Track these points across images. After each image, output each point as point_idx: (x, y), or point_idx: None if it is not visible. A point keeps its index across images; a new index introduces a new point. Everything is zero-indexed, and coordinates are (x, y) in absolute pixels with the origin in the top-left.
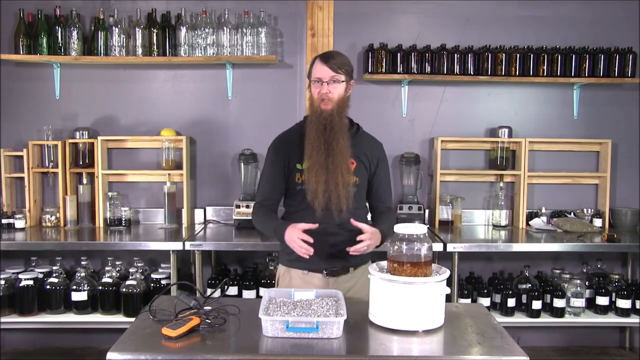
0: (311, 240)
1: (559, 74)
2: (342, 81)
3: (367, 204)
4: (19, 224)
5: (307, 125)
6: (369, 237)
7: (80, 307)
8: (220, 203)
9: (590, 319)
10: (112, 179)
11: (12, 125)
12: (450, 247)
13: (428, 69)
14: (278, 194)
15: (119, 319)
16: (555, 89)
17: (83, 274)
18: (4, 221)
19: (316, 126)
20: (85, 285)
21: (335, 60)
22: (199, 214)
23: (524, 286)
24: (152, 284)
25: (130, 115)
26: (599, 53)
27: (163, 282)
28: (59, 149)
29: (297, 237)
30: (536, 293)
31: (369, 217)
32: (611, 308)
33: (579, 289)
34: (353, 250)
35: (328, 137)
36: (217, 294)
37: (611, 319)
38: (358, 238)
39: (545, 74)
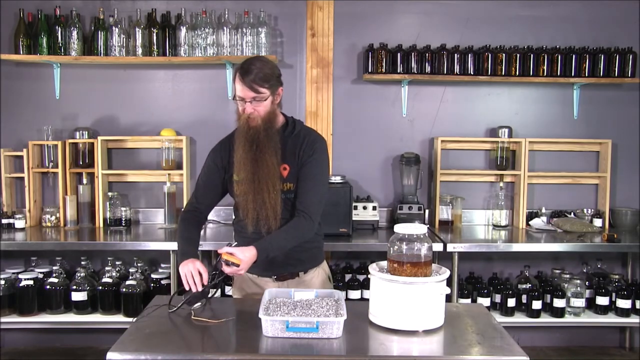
0: (204, 278)
1: (559, 74)
2: (267, 97)
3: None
4: (19, 224)
5: (235, 140)
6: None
7: (80, 307)
8: (220, 203)
9: (590, 319)
10: (112, 179)
11: (12, 125)
12: (450, 247)
13: (428, 69)
14: (210, 199)
15: (119, 319)
16: (555, 89)
17: (83, 274)
18: (4, 221)
19: (243, 143)
20: (85, 285)
21: (254, 76)
22: None
23: (524, 286)
24: (152, 284)
25: (130, 115)
26: (599, 53)
27: (163, 282)
28: (59, 149)
29: (191, 270)
30: (536, 293)
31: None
32: (611, 308)
33: (579, 289)
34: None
35: (255, 154)
36: (218, 294)
37: (611, 319)
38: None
39: (545, 74)
